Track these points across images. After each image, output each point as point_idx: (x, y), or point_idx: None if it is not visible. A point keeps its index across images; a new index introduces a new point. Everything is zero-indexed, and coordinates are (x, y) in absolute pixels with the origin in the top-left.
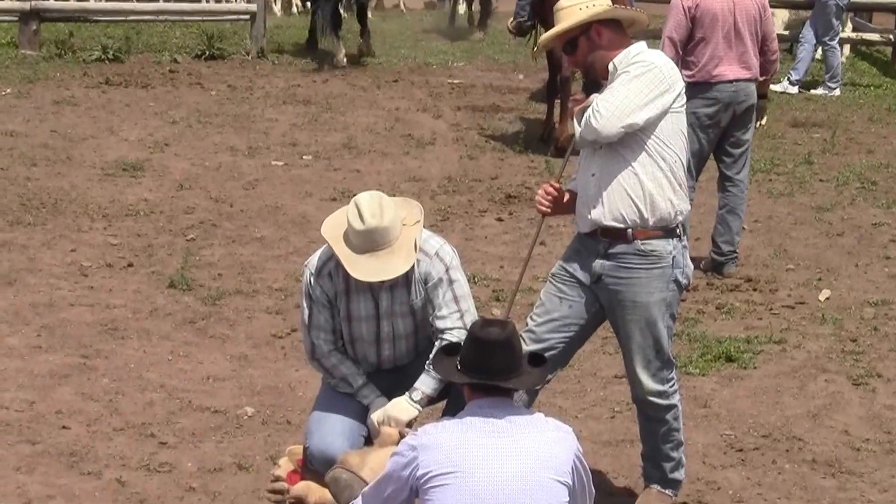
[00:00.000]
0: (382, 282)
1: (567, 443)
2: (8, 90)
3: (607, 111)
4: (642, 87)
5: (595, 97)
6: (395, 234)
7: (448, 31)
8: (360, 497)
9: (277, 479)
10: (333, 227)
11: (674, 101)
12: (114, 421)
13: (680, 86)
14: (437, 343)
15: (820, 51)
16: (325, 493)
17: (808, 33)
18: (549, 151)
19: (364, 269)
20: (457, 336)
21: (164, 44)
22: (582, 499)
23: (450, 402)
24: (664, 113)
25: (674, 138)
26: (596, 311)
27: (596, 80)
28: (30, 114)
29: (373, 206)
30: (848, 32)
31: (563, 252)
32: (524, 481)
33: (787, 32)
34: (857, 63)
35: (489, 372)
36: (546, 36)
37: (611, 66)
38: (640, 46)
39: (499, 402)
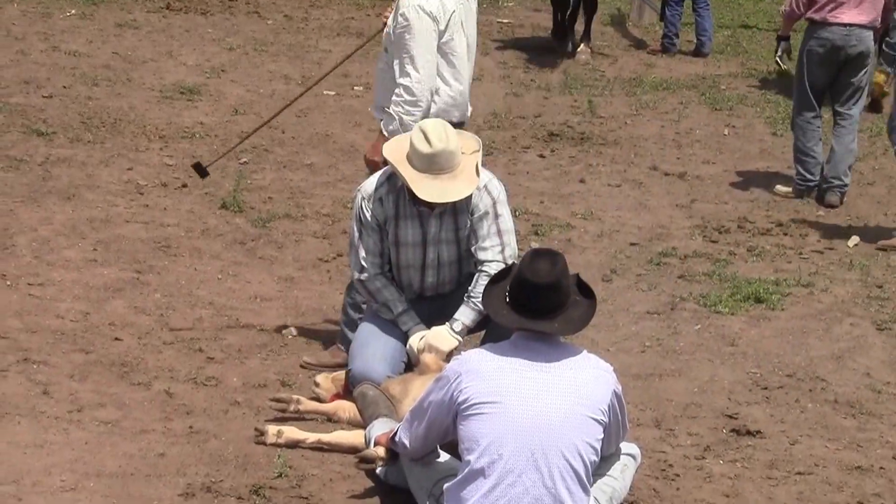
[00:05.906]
0: (432, 209)
1: (607, 381)
2: (72, 11)
3: None
4: None
5: None
6: (458, 160)
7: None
8: (404, 421)
9: (318, 397)
10: (396, 150)
11: None
12: (164, 335)
13: None
14: (476, 274)
15: None
16: (357, 412)
17: None
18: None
19: (429, 189)
20: (495, 269)
21: None
22: (616, 436)
23: (489, 331)
24: None
25: None
26: None
27: None
28: (93, 35)
29: (439, 131)
30: None
31: None
32: (561, 416)
33: None
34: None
35: (535, 311)
36: None
37: None
38: None
39: (543, 335)
